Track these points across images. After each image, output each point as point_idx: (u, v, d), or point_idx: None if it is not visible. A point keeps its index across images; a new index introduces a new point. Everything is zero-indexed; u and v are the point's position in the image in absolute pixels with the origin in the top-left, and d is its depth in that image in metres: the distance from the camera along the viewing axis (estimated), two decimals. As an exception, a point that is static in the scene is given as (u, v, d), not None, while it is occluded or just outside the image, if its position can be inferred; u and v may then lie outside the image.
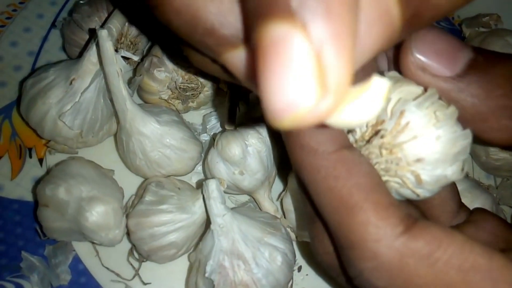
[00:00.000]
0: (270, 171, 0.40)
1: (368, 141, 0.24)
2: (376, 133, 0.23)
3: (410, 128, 0.22)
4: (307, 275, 0.42)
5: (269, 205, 0.41)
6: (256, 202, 0.42)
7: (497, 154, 0.48)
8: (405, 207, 0.25)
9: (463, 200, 0.38)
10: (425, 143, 0.22)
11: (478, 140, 0.49)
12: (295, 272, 0.41)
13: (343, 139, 0.23)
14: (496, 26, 0.55)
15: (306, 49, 0.13)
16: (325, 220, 0.24)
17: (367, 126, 0.24)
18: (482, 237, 0.25)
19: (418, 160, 0.22)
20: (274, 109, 0.14)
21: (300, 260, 0.42)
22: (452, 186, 0.28)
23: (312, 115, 0.14)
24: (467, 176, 0.47)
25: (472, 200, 0.42)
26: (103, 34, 0.35)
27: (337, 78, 0.13)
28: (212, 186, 0.35)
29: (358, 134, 0.24)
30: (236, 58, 0.20)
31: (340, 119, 0.16)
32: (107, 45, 0.35)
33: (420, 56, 0.24)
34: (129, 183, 0.42)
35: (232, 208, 0.38)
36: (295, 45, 0.13)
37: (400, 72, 0.25)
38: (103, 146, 0.44)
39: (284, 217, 0.41)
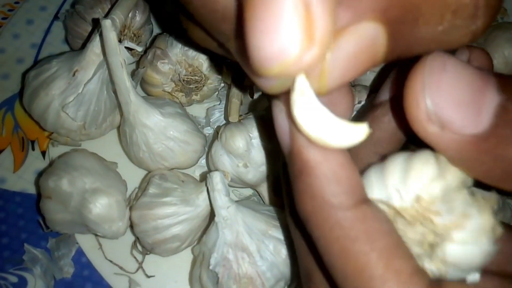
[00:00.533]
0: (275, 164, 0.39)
1: (410, 217, 0.20)
2: (424, 217, 0.20)
3: (464, 230, 0.19)
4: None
5: (272, 200, 0.40)
6: (260, 195, 0.41)
7: None
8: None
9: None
10: (471, 254, 0.19)
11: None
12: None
13: (361, 190, 0.20)
14: (503, 19, 0.55)
15: (297, 1, 0.14)
16: (335, 282, 0.21)
17: (413, 201, 0.20)
18: None
19: (454, 265, 0.20)
20: (261, 57, 0.15)
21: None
22: None
23: (298, 65, 0.15)
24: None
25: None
26: (106, 24, 0.34)
27: (322, 30, 0.15)
28: (216, 178, 0.35)
29: (395, 201, 0.20)
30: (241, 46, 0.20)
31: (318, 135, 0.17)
32: (111, 35, 0.34)
33: (437, 108, 0.18)
34: (133, 176, 0.42)
35: (236, 201, 0.38)
36: None
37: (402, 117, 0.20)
38: (106, 138, 0.43)
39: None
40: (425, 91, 0.18)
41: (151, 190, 0.37)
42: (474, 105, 0.18)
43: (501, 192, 0.20)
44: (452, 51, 0.21)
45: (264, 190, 0.40)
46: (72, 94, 0.38)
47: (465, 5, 0.17)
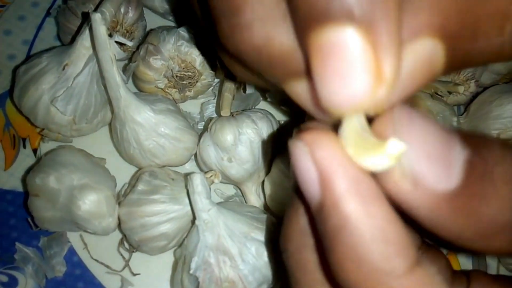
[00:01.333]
0: (260, 164, 0.39)
1: None
2: None
3: None
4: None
5: (255, 200, 0.40)
6: (242, 195, 0.41)
7: None
8: None
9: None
10: None
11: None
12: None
13: (413, 250, 0.17)
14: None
15: (364, 47, 0.15)
16: None
17: None
18: None
19: None
20: (332, 102, 0.16)
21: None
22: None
23: (368, 104, 0.16)
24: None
25: None
26: (96, 17, 0.34)
27: (391, 70, 0.15)
28: (196, 180, 0.34)
29: None
30: (300, 88, 0.19)
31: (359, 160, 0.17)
32: (101, 29, 0.34)
33: (409, 163, 0.16)
34: (123, 172, 0.41)
35: (218, 203, 0.37)
36: (354, 44, 0.15)
37: None
38: (98, 135, 0.43)
39: (265, 201, 0.40)
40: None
41: (140, 187, 0.37)
42: (444, 160, 0.17)
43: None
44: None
45: (247, 189, 0.40)
46: (62, 88, 0.38)
47: None
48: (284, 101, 0.43)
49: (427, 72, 0.17)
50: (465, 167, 0.17)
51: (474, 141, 0.18)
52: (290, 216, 0.21)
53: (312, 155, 0.17)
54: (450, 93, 0.45)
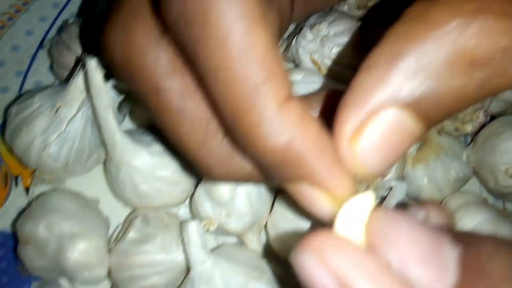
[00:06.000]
0: (260, 214, 0.37)
1: None
2: None
3: None
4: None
5: (255, 247, 0.39)
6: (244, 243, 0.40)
7: (506, 181, 0.46)
8: None
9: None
10: None
11: (486, 166, 0.47)
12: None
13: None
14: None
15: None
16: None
17: None
18: None
19: None
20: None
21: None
22: None
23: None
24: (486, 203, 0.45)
25: (495, 232, 0.40)
26: (91, 65, 0.32)
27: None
28: (192, 229, 0.33)
29: None
30: (307, 192, 0.21)
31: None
32: (96, 76, 0.33)
33: (402, 265, 0.16)
34: (118, 212, 0.40)
35: (215, 248, 0.37)
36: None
37: None
38: (92, 174, 0.41)
39: (268, 243, 0.39)
40: (384, 247, 0.17)
41: (131, 234, 0.36)
42: (437, 260, 0.17)
43: None
44: (406, 210, 0.21)
45: (247, 239, 0.38)
46: (55, 132, 0.37)
47: None
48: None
49: (403, 138, 0.19)
50: (459, 265, 0.17)
51: (465, 237, 0.18)
52: None
53: (324, 263, 0.16)
54: (457, 130, 0.44)
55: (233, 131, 0.22)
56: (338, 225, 0.18)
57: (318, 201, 0.21)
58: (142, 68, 0.23)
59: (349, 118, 0.19)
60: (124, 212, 0.40)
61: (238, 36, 0.19)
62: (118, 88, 0.36)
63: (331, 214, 0.20)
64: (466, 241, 0.18)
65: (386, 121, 0.18)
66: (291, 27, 0.48)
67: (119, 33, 0.24)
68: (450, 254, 0.17)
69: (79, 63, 0.37)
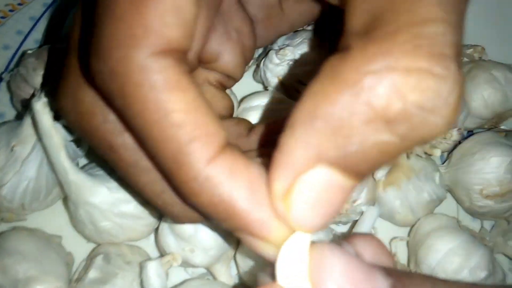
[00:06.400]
0: (226, 246, 0.37)
1: None
2: None
3: None
4: None
5: (226, 279, 0.38)
6: (212, 275, 0.39)
7: (480, 201, 0.45)
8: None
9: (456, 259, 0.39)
10: None
11: (461, 187, 0.46)
12: None
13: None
14: (481, 58, 0.52)
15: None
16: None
17: None
18: None
19: None
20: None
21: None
22: None
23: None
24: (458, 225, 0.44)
25: (467, 259, 0.39)
26: (38, 107, 0.31)
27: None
28: (150, 271, 0.32)
29: None
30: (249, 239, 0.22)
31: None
32: (43, 119, 0.32)
33: None
34: (82, 245, 0.39)
35: (184, 281, 0.36)
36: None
37: None
38: (54, 208, 0.40)
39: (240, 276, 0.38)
40: (326, 280, 0.18)
41: (91, 274, 0.35)
42: None
43: None
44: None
45: (216, 271, 0.37)
46: (11, 171, 0.36)
47: None
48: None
49: (335, 193, 0.19)
50: None
51: (396, 272, 0.20)
52: None
53: None
54: (426, 154, 0.44)
55: (172, 185, 0.23)
56: (278, 271, 0.20)
57: (260, 247, 0.22)
58: (93, 129, 0.24)
59: (279, 178, 0.19)
60: (89, 246, 0.39)
61: (154, 105, 0.20)
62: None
63: (275, 257, 0.21)
64: (396, 273, 0.19)
65: (315, 179, 0.19)
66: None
67: (69, 99, 0.25)
68: (382, 285, 0.19)
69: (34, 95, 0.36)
